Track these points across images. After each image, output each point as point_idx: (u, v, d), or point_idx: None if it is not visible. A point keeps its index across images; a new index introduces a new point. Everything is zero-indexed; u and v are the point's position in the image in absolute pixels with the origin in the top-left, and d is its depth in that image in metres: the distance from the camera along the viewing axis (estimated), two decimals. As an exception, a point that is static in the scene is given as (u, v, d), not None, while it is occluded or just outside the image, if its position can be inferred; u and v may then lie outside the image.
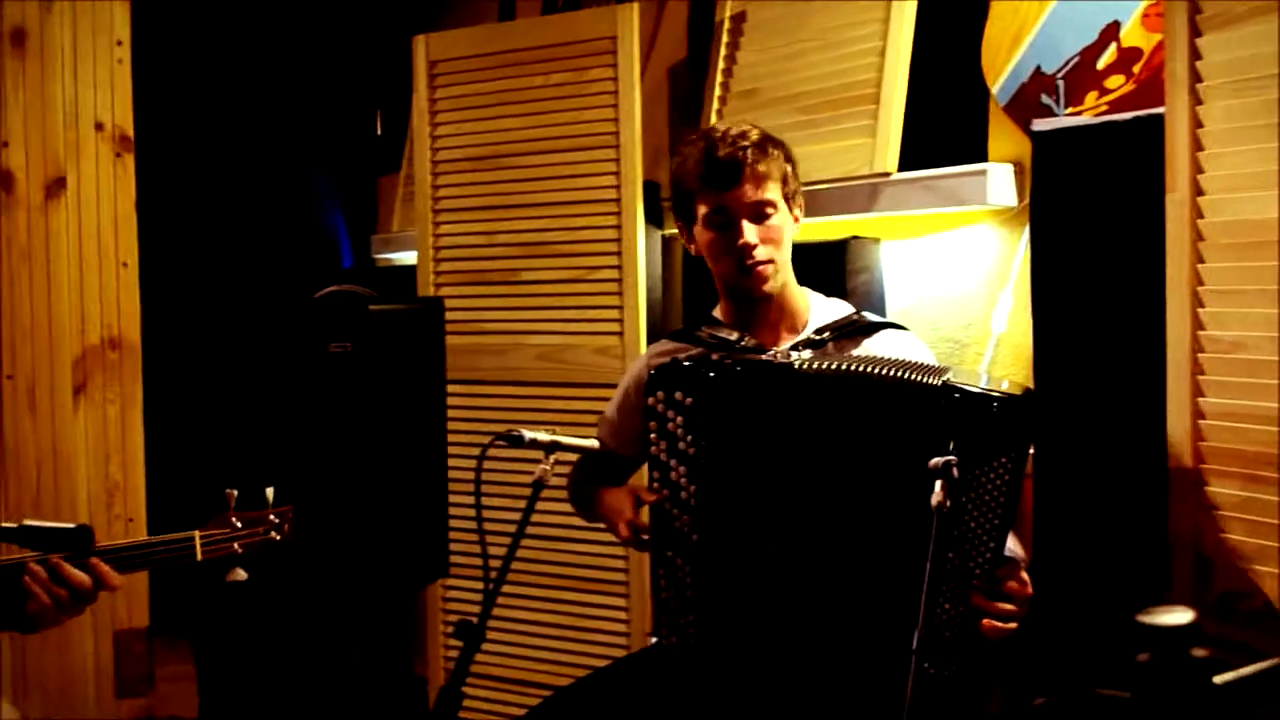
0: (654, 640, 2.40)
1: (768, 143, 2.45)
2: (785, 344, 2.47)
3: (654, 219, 3.44)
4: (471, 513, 3.44)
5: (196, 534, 2.11)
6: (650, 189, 3.44)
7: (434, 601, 3.68)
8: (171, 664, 3.73)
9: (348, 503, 2.85)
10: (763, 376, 2.30)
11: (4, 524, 1.58)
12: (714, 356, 2.37)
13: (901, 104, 3.00)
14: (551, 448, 2.18)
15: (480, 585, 3.55)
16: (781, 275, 2.47)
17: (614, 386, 3.37)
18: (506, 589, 3.56)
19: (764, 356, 2.37)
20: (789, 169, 2.47)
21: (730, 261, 2.45)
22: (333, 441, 2.89)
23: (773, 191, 2.43)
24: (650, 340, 3.37)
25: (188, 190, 4.51)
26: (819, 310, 2.55)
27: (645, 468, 2.87)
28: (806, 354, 2.35)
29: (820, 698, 2.26)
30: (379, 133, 5.08)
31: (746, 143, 2.42)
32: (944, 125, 3.00)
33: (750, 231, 2.42)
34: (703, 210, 2.45)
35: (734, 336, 2.50)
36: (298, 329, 2.97)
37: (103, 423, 3.06)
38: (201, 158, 4.75)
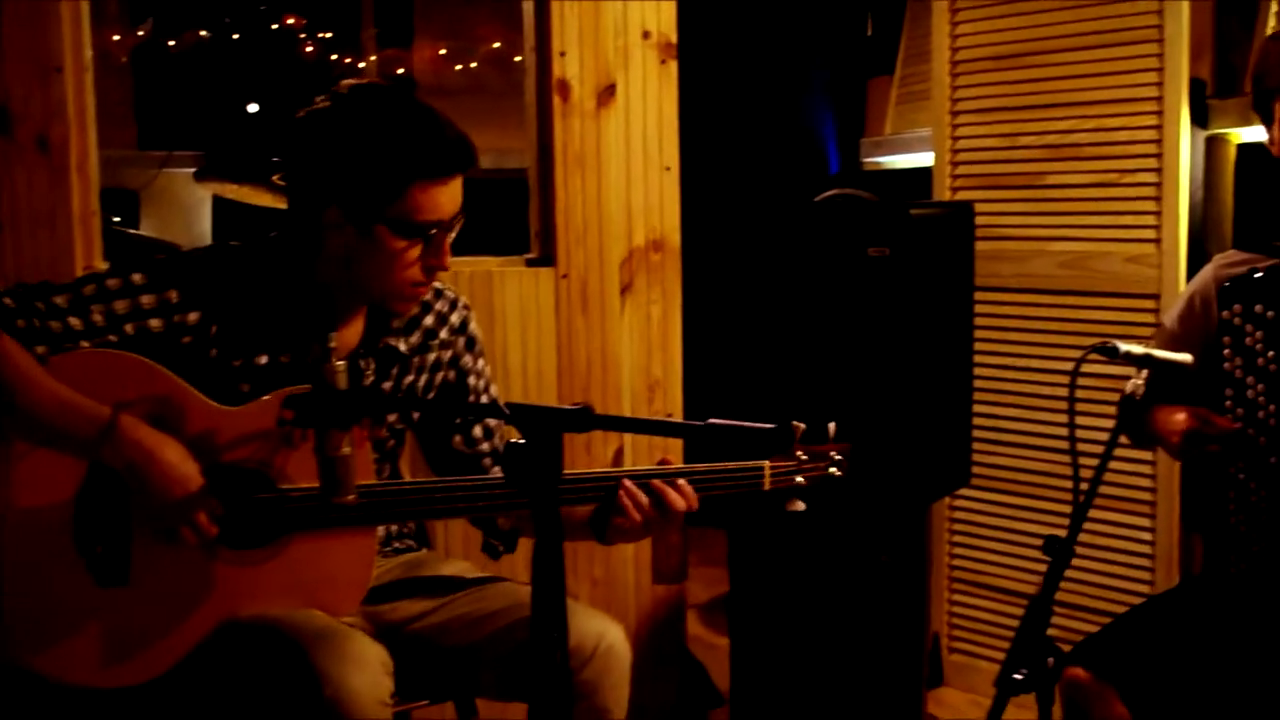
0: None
1: None
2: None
3: (1198, 119, 3.22)
4: (984, 422, 3.44)
5: (765, 464, 2.16)
6: (1195, 86, 3.21)
7: (940, 510, 3.67)
8: (701, 552, 3.92)
9: (883, 410, 2.86)
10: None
11: (691, 421, 1.66)
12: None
13: None
14: (1145, 362, 2.08)
15: (991, 495, 3.55)
16: None
17: (1147, 297, 3.23)
18: (1023, 501, 3.53)
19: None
20: None
21: None
22: (872, 347, 2.90)
23: None
24: (1191, 250, 3.17)
25: (701, 94, 4.62)
26: None
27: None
28: None
29: None
30: (869, 34, 5.02)
31: None
32: None
33: None
34: None
35: (1317, 250, 2.30)
36: (829, 233, 2.97)
37: (646, 322, 3.20)
38: (710, 62, 4.85)
